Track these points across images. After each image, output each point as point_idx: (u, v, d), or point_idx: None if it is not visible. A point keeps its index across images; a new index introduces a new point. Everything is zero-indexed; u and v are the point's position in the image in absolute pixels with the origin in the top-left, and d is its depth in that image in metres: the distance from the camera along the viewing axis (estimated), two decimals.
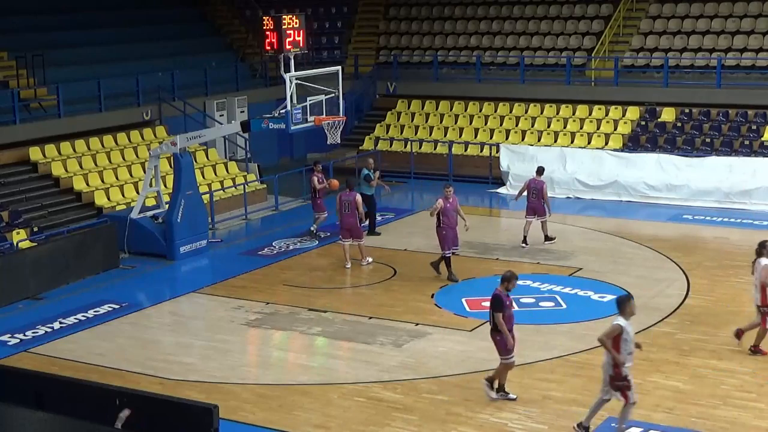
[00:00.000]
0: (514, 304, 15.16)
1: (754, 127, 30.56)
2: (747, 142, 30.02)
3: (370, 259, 22.70)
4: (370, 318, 18.86)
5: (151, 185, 24.52)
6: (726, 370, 15.83)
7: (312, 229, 25.22)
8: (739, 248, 23.20)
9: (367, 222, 24.49)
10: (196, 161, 27.77)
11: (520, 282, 20.12)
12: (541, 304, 19.47)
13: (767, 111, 30.81)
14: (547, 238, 23.75)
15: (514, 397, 14.88)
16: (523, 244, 23.58)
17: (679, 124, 31.58)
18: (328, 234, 24.74)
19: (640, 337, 17.42)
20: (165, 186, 25.07)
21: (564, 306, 19.31)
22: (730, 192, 27.63)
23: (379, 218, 26.78)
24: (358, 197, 22.53)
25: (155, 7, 36.31)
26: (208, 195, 26.34)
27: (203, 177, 28.40)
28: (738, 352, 16.61)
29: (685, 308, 18.98)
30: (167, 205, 24.06)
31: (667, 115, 32.01)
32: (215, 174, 29.46)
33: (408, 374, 16.06)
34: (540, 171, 24.05)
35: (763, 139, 29.96)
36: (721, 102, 31.62)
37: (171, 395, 14.38)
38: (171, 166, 25.91)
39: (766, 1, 33.70)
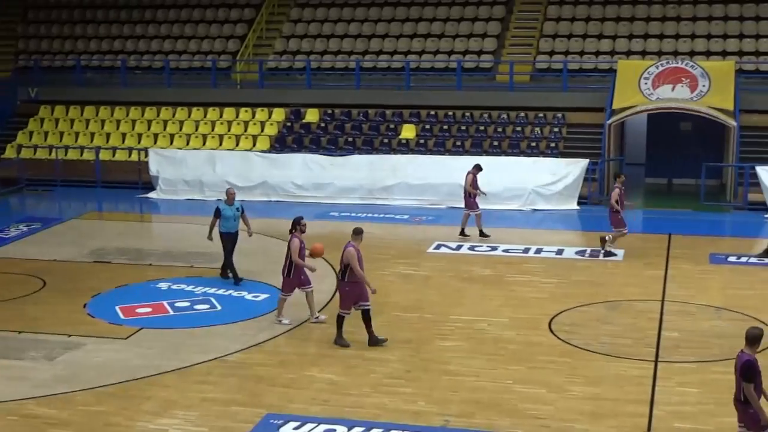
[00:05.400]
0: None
1: (392, 126, 32.21)
2: (386, 140, 31.60)
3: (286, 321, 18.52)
4: (20, 333, 18.27)
5: None
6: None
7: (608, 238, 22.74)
8: (383, 242, 24.42)
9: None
10: None
11: (174, 286, 20.36)
12: (196, 306, 19.57)
13: (403, 110, 32.59)
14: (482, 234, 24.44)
15: None
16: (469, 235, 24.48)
17: (322, 125, 32.70)
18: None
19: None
20: None
21: (219, 308, 19.52)
22: (372, 188, 28.98)
23: (25, 228, 25.92)
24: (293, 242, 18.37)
25: None
26: None
27: None
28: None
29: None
30: None
31: (311, 116, 33.07)
32: None
33: (63, 387, 15.70)
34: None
35: (400, 137, 31.64)
36: (361, 102, 33.09)
37: None
38: None
39: (427, 5, 35.66)
